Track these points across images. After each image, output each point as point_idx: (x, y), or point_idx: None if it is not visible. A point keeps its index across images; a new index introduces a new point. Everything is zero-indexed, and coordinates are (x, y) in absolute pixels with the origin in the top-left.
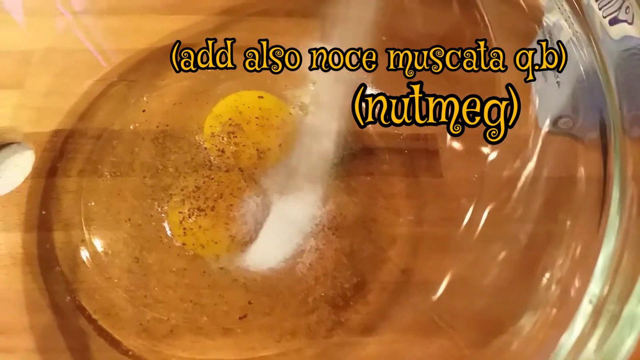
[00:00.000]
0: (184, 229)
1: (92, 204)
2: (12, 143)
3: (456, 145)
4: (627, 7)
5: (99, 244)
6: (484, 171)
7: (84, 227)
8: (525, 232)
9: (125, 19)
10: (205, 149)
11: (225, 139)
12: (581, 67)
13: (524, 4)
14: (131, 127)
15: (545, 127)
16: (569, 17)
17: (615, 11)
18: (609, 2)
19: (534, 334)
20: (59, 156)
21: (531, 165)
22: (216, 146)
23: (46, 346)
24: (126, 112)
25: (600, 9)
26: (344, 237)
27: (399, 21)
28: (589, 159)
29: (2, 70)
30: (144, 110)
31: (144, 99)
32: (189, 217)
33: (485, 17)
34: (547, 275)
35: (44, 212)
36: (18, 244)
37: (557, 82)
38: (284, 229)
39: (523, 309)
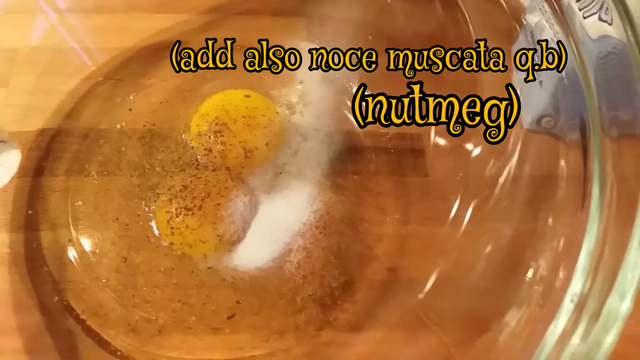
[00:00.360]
0: (172, 228)
1: (80, 203)
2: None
3: (441, 143)
4: (607, 8)
5: (86, 244)
6: (468, 169)
7: (71, 227)
8: (508, 229)
9: (111, 18)
10: (192, 148)
11: (212, 138)
12: None
13: (504, 4)
14: (118, 126)
15: (528, 126)
16: (550, 17)
17: (596, 12)
18: (590, 3)
19: (519, 331)
20: (45, 155)
21: (513, 163)
22: (203, 145)
23: (34, 347)
24: (113, 111)
25: (580, 10)
26: (331, 236)
27: (384, 20)
28: (569, 158)
29: None
30: (130, 109)
31: (131, 97)
32: (177, 217)
33: (467, 16)
34: (531, 272)
35: (30, 212)
36: (5, 244)
37: (540, 82)
38: (271, 228)
39: (507, 306)
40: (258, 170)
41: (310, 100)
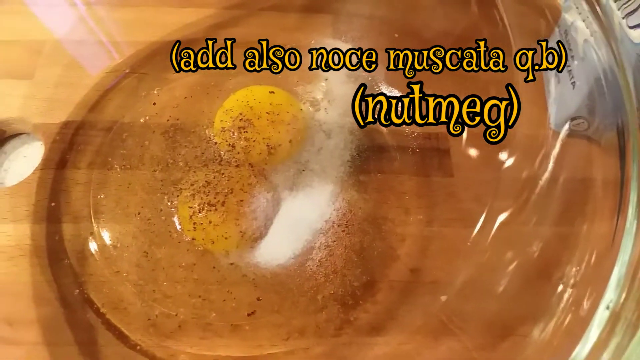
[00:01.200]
0: (194, 224)
1: (102, 196)
2: (21, 134)
3: (468, 144)
4: None
5: (107, 237)
6: (497, 172)
7: (93, 220)
8: (540, 236)
9: (137, 11)
10: (216, 143)
11: (235, 133)
12: (598, 68)
13: (543, 5)
14: (141, 120)
15: (560, 129)
16: (587, 17)
17: (635, 10)
18: (628, 2)
19: (547, 341)
20: (69, 148)
21: (547, 168)
22: (226, 141)
23: (53, 339)
24: (137, 104)
25: (619, 9)
26: (353, 235)
27: (413, 19)
28: (605, 162)
29: (12, 60)
30: (154, 104)
31: (155, 92)
32: (199, 212)
33: (505, 17)
34: (562, 281)
35: (53, 204)
36: (27, 235)
37: (572, 83)
38: (294, 226)
39: (535, 315)
40: (281, 167)
41: (335, 97)
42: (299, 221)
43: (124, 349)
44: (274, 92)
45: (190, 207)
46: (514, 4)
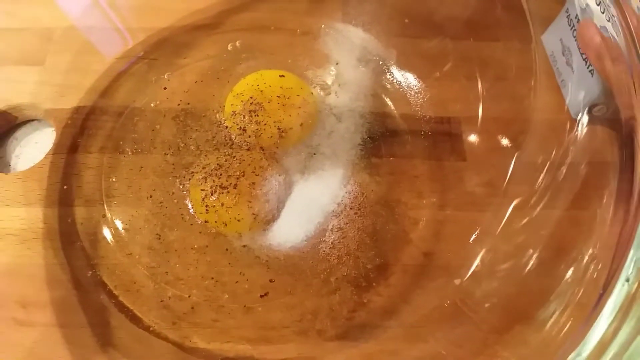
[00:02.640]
0: (207, 206)
1: (113, 180)
2: (33, 120)
3: (481, 129)
4: None
5: (119, 220)
6: (511, 158)
7: (105, 203)
8: (553, 220)
9: None
10: (227, 127)
11: (246, 117)
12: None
13: None
14: (152, 104)
15: (578, 116)
16: (603, 1)
17: None
18: None
19: (561, 323)
20: (80, 133)
21: (563, 151)
22: (237, 124)
23: (66, 321)
24: (147, 89)
25: None
26: (366, 217)
27: (422, 3)
28: (623, 146)
29: (23, 47)
30: (165, 88)
31: (165, 77)
32: (212, 195)
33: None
34: (574, 264)
35: (65, 187)
36: (39, 219)
37: (591, 71)
38: (306, 208)
39: (548, 298)
40: (292, 151)
41: (346, 81)
42: (311, 203)
43: (137, 331)
44: (284, 76)
45: (203, 190)
46: None
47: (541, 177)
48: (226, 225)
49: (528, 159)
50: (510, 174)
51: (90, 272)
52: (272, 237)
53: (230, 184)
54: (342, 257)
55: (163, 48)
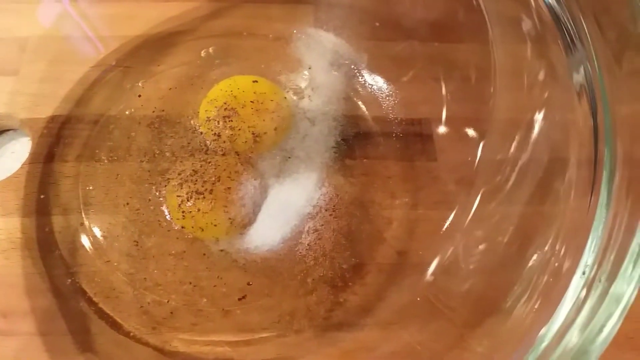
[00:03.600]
0: (183, 212)
1: (90, 188)
2: (9, 130)
3: (450, 129)
4: None
5: (97, 228)
6: (477, 154)
7: (82, 211)
8: (517, 213)
9: (120, 6)
10: (201, 133)
11: (220, 123)
12: None
13: None
14: (127, 112)
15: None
16: None
17: None
18: None
19: (527, 311)
20: (56, 142)
21: (524, 148)
22: (212, 130)
23: (47, 329)
24: (122, 97)
25: None
26: (341, 218)
27: (392, 8)
28: (580, 141)
29: None
30: (139, 96)
31: (140, 84)
32: (188, 201)
33: (482, 4)
34: (538, 254)
35: (42, 197)
36: (17, 229)
37: None
38: (282, 211)
39: (515, 288)
40: (267, 155)
41: (319, 84)
42: (286, 206)
43: (117, 336)
44: (257, 82)
45: (179, 196)
46: None
47: (505, 173)
48: (203, 230)
49: (492, 155)
50: (477, 171)
51: (70, 280)
52: (249, 241)
53: (206, 189)
54: (318, 258)
55: (137, 56)
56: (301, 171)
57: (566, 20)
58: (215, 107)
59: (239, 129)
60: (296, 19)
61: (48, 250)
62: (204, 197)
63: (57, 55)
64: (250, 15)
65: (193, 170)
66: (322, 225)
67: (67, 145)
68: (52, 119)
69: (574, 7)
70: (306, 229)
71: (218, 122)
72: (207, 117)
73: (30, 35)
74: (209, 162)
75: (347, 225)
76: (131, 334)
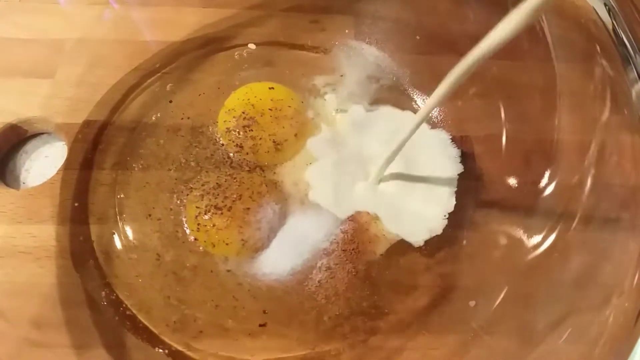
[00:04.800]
0: (199, 224)
1: (122, 196)
2: (43, 133)
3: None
4: None
5: (129, 239)
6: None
7: (117, 221)
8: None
9: (158, 11)
10: (223, 145)
11: (241, 133)
12: None
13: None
14: (160, 118)
15: None
16: None
17: None
18: None
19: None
20: (92, 148)
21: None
22: (233, 142)
23: (81, 342)
24: (156, 104)
25: None
26: (359, 260)
27: (432, 21)
28: None
29: (33, 59)
30: (170, 101)
31: (172, 89)
32: (205, 214)
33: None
34: (598, 289)
35: (76, 204)
36: (52, 237)
37: None
38: (297, 242)
39: (565, 318)
40: (296, 179)
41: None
42: (303, 238)
43: (153, 351)
44: (273, 88)
45: (197, 207)
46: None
47: (569, 201)
48: (214, 246)
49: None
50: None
51: (104, 292)
52: (258, 266)
53: (225, 205)
54: (331, 297)
55: (174, 61)
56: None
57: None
58: (234, 117)
59: (260, 139)
60: (336, 30)
61: (82, 259)
62: (222, 214)
63: (94, 58)
64: (289, 25)
65: (217, 183)
66: (337, 264)
67: (102, 152)
68: (88, 124)
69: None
70: (318, 265)
71: (239, 133)
72: (227, 128)
73: (68, 38)
74: (234, 178)
75: (365, 269)
76: (166, 350)
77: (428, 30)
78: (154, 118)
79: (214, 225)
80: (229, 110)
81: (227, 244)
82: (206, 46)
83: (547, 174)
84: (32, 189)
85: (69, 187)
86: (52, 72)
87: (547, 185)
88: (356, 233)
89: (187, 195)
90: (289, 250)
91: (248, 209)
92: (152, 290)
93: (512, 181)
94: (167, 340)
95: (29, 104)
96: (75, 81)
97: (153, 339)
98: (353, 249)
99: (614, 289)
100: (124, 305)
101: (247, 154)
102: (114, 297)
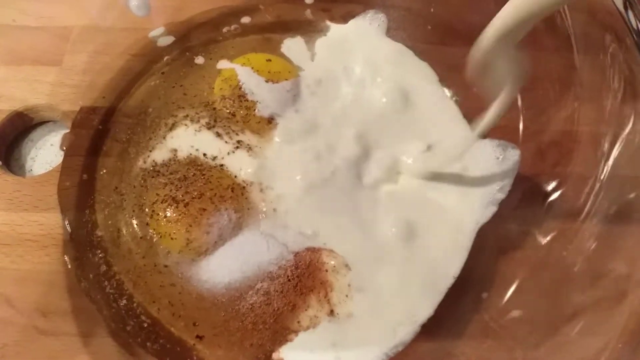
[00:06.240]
0: (153, 211)
1: (124, 184)
2: (48, 121)
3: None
4: None
5: (134, 226)
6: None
7: (123, 208)
8: (589, 236)
9: None
10: (215, 109)
11: (236, 102)
12: None
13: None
14: (162, 103)
15: None
16: None
17: None
18: None
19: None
20: (96, 135)
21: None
22: (227, 109)
23: (87, 330)
24: (165, 91)
25: None
26: (300, 297)
27: (445, 11)
28: None
29: (40, 47)
30: (173, 86)
31: (182, 76)
32: (162, 202)
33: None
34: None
35: (81, 192)
36: (58, 224)
37: None
38: (243, 257)
39: (579, 312)
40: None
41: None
42: (251, 254)
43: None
44: (271, 60)
45: (157, 194)
46: None
47: (584, 193)
48: (160, 237)
49: (577, 169)
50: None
51: (110, 280)
52: (196, 271)
53: (183, 200)
54: (258, 324)
55: (179, 47)
56: (291, 225)
57: None
58: (230, 85)
59: (254, 109)
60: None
61: (89, 248)
62: (177, 207)
63: (101, 46)
64: (297, 13)
65: (184, 176)
66: (277, 292)
67: (106, 139)
68: (93, 110)
69: None
70: (257, 286)
71: (233, 102)
72: (223, 96)
73: (75, 25)
74: (203, 175)
75: (305, 305)
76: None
77: (440, 20)
78: (158, 104)
79: (165, 217)
80: (225, 78)
81: (172, 239)
82: (215, 30)
83: (562, 165)
84: (38, 177)
85: (75, 175)
86: (58, 60)
87: (562, 177)
88: (311, 268)
89: (153, 177)
90: (231, 263)
91: (204, 209)
92: (151, 282)
93: (527, 172)
94: (175, 331)
95: (35, 91)
96: (81, 69)
97: (156, 326)
98: (298, 283)
99: (628, 282)
100: (129, 294)
101: (238, 122)
102: (119, 285)
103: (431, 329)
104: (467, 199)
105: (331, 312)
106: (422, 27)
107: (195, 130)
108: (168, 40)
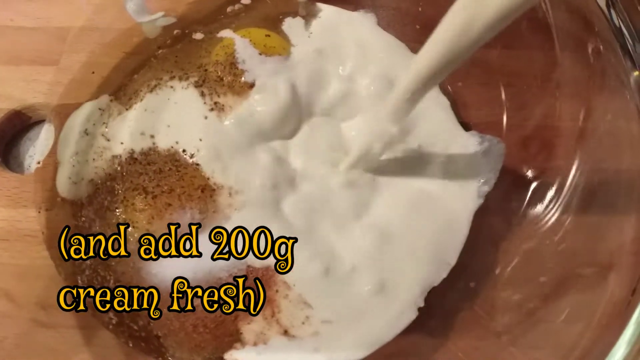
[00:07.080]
0: (124, 196)
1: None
2: (44, 120)
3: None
4: None
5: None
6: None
7: (114, 205)
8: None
9: None
10: (206, 71)
11: (226, 68)
12: None
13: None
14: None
15: None
16: None
17: None
18: None
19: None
20: None
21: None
22: (217, 72)
23: (87, 323)
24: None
25: None
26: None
27: (434, 11)
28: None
29: (38, 47)
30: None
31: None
32: (133, 190)
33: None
34: (590, 267)
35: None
36: (59, 220)
37: None
38: (197, 258)
39: (563, 299)
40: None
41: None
42: (205, 257)
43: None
44: (269, 36)
45: (132, 181)
46: None
47: (566, 185)
48: (124, 221)
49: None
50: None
51: (108, 275)
52: (146, 263)
53: (153, 192)
54: (198, 327)
55: (178, 49)
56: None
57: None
58: (226, 52)
59: (242, 77)
60: None
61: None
62: (144, 197)
63: (97, 46)
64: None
65: (160, 169)
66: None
67: None
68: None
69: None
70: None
71: (224, 67)
72: (217, 61)
73: (72, 26)
74: (179, 171)
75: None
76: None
77: (428, 19)
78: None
79: (132, 204)
80: (223, 46)
81: (133, 227)
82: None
83: (545, 158)
84: (34, 174)
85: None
86: (56, 59)
87: (545, 169)
88: (263, 281)
89: (130, 164)
90: (184, 262)
91: (170, 205)
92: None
93: (512, 165)
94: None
95: (33, 90)
96: (78, 68)
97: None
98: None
99: (609, 270)
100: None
101: (224, 86)
102: (116, 279)
103: (422, 319)
104: (453, 193)
105: (285, 332)
106: (411, 26)
107: (183, 88)
108: (167, 21)
